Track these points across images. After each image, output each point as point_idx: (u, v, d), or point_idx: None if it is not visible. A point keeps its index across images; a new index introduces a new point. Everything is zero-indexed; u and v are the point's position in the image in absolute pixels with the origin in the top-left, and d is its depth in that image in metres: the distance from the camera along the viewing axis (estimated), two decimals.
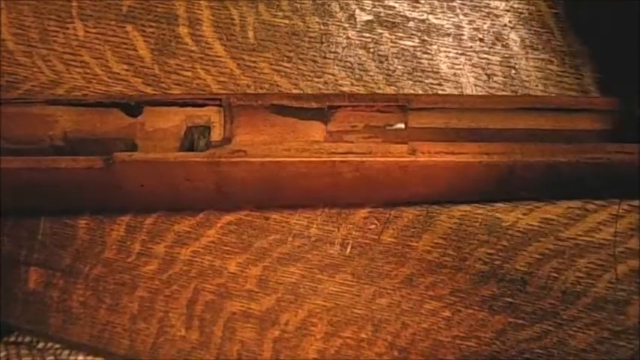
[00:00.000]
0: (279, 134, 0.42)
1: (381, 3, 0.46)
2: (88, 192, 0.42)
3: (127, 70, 0.48)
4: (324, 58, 0.47)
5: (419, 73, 0.47)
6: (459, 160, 0.40)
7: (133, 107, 0.43)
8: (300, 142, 0.41)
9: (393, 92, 0.47)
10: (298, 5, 0.47)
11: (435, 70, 0.47)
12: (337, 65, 0.47)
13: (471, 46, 0.47)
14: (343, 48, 0.47)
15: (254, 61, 0.47)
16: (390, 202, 0.47)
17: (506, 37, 0.47)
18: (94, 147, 0.42)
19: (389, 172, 0.40)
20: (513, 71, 0.47)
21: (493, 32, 0.47)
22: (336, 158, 0.39)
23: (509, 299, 0.48)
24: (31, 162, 0.40)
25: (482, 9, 0.47)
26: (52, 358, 0.51)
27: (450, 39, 0.47)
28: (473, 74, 0.47)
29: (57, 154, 0.42)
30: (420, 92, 0.47)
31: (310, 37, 0.47)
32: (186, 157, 0.40)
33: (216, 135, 0.43)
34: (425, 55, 0.47)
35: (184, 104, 0.43)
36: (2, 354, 0.51)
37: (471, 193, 0.44)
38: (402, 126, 0.43)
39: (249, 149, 0.40)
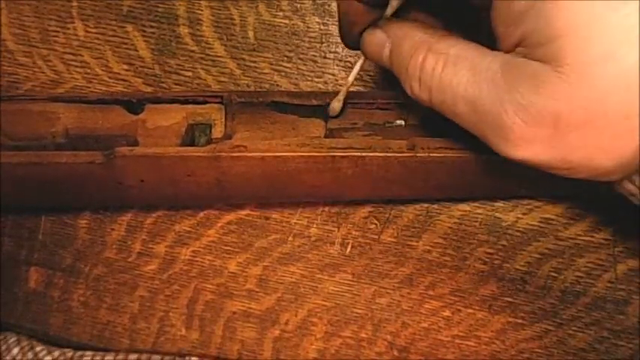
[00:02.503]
0: (279, 131, 0.42)
1: None
2: (88, 188, 0.42)
3: (127, 70, 0.48)
4: (324, 58, 0.47)
5: None
6: (459, 156, 0.40)
7: (134, 105, 0.43)
8: (301, 137, 0.41)
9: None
10: (298, 5, 0.47)
11: None
12: (337, 65, 0.47)
13: None
14: (343, 48, 0.47)
15: (254, 61, 0.48)
16: (390, 199, 0.47)
17: None
18: (95, 144, 0.42)
19: (388, 168, 0.40)
20: None
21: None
22: (336, 153, 0.39)
23: (509, 299, 0.48)
24: (31, 157, 0.40)
25: None
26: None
27: None
28: None
29: (58, 151, 0.41)
30: None
31: (310, 37, 0.47)
32: (187, 152, 0.40)
33: (217, 132, 0.43)
34: None
35: (186, 102, 0.43)
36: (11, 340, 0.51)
37: (470, 189, 0.44)
38: (402, 123, 0.43)
39: (250, 144, 0.40)
